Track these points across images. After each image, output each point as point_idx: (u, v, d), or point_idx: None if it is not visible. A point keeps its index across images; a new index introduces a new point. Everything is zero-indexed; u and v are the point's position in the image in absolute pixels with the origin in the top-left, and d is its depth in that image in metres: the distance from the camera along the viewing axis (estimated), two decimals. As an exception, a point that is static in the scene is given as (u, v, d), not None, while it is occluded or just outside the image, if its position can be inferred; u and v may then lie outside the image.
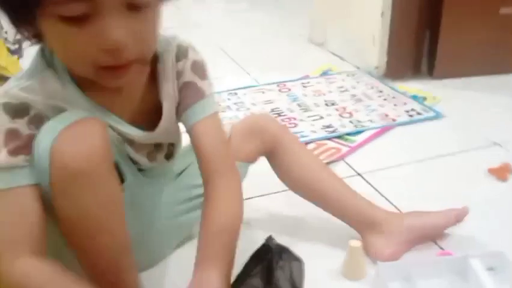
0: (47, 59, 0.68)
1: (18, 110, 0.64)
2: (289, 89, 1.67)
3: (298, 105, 1.55)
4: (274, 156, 0.93)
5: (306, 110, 1.51)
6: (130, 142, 0.74)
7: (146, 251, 0.83)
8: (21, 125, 0.64)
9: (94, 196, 0.63)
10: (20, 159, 0.63)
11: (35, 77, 0.67)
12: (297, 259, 0.73)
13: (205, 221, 0.72)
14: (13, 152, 0.63)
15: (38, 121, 0.65)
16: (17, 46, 2.19)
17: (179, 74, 0.76)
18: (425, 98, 1.58)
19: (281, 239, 0.75)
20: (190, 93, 0.76)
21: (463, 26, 1.67)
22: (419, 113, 1.47)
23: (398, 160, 1.24)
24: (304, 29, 2.18)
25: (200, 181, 0.77)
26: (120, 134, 0.72)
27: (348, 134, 1.36)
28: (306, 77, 1.78)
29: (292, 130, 1.37)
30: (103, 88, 0.67)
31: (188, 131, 0.77)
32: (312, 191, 0.93)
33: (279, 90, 1.66)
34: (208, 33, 2.25)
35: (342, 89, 1.66)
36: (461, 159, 1.24)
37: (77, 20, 0.58)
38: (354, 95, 1.61)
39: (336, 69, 1.85)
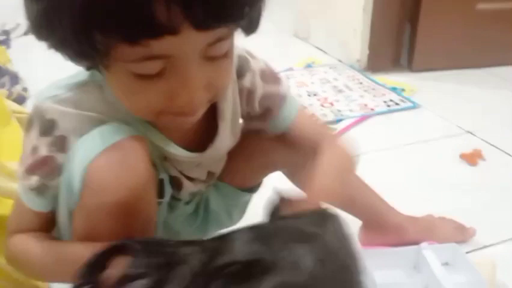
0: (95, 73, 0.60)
1: (46, 127, 0.57)
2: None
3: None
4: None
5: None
6: (176, 163, 0.68)
7: None
8: (43, 144, 0.57)
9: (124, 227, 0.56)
10: (34, 179, 0.58)
11: (77, 89, 0.59)
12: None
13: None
14: (29, 171, 0.58)
15: (61, 143, 0.57)
16: (4, 37, 2.21)
17: (251, 91, 0.70)
18: (403, 90, 1.64)
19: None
20: (271, 104, 0.71)
21: (441, 21, 1.74)
22: (396, 103, 1.54)
23: (375, 146, 1.29)
24: (289, 23, 2.23)
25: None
26: (165, 153, 0.65)
27: (329, 123, 1.42)
28: (290, 69, 1.83)
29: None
30: None
31: (278, 137, 0.74)
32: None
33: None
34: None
35: (324, 81, 1.72)
36: (435, 146, 1.31)
37: (150, 77, 0.51)
38: (335, 86, 1.67)
39: (319, 62, 1.91)
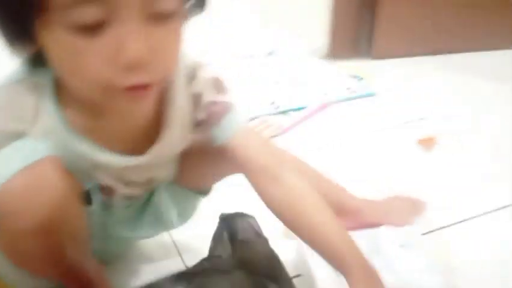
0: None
1: None
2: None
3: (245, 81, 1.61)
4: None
5: (252, 86, 1.58)
6: (109, 169, 0.67)
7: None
8: None
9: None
10: None
11: (8, 88, 0.58)
12: (250, 216, 0.78)
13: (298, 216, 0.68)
14: None
15: None
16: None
17: (197, 97, 0.69)
18: (361, 78, 1.67)
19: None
20: (216, 111, 0.70)
21: (400, 8, 1.77)
22: (355, 91, 1.57)
23: (335, 135, 1.32)
24: (254, 13, 2.24)
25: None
26: (94, 161, 0.65)
27: (290, 110, 1.44)
28: (251, 56, 1.83)
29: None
30: (89, 109, 0.60)
31: (222, 150, 0.70)
32: None
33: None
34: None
35: (286, 68, 1.73)
36: (393, 132, 1.34)
37: (89, 30, 0.48)
38: (296, 75, 1.69)
39: (282, 50, 1.92)
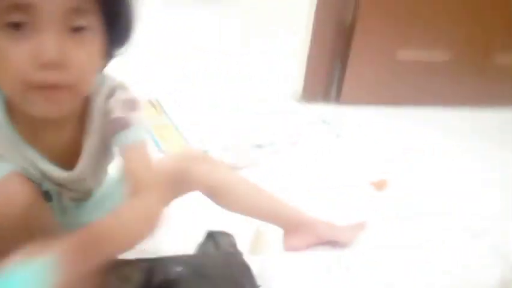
0: None
1: None
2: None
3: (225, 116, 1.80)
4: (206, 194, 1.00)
5: (231, 120, 1.77)
6: (51, 179, 0.78)
7: None
8: None
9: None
10: None
11: None
12: (230, 234, 0.96)
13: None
14: None
15: None
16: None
17: (107, 112, 0.77)
18: (329, 122, 1.87)
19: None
20: (117, 124, 0.77)
21: (367, 62, 2.00)
22: (322, 133, 1.77)
23: (300, 171, 1.51)
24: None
25: None
26: (41, 169, 0.76)
27: (263, 145, 1.62)
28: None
29: (219, 136, 1.62)
30: (32, 120, 0.70)
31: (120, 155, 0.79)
32: (251, 211, 1.06)
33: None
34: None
35: (263, 108, 1.93)
36: (349, 172, 1.54)
37: (13, 29, 0.60)
38: (271, 113, 1.88)
39: (260, 91, 2.11)
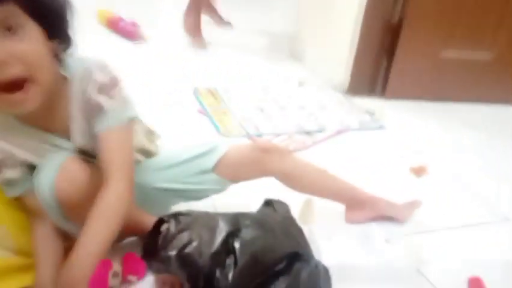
0: None
1: None
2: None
3: (277, 104, 1.96)
4: (280, 180, 1.14)
5: (282, 109, 1.93)
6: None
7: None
8: None
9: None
10: None
11: None
12: (285, 203, 1.09)
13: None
14: None
15: None
16: None
17: (87, 97, 0.84)
18: (373, 113, 2.01)
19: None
20: (94, 109, 0.84)
21: (411, 61, 2.11)
22: (367, 123, 1.91)
23: (346, 157, 1.65)
24: (286, 44, 2.59)
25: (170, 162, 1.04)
26: (57, 147, 0.88)
27: (312, 131, 1.77)
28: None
29: (272, 123, 1.78)
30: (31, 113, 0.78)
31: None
32: (320, 192, 1.20)
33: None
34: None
35: (312, 98, 2.08)
36: (391, 160, 1.67)
37: None
38: (320, 103, 2.03)
39: (309, 83, 2.26)
